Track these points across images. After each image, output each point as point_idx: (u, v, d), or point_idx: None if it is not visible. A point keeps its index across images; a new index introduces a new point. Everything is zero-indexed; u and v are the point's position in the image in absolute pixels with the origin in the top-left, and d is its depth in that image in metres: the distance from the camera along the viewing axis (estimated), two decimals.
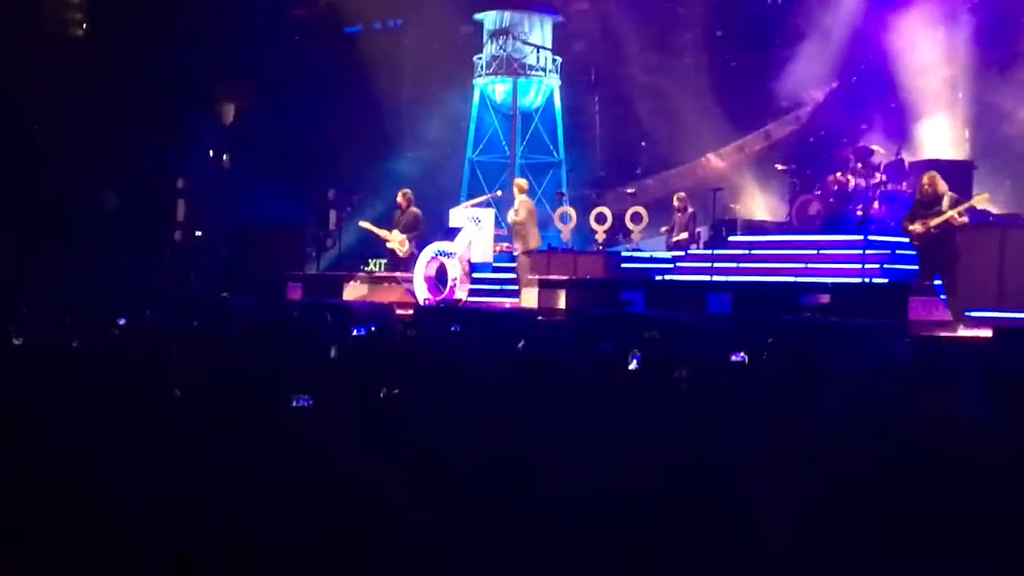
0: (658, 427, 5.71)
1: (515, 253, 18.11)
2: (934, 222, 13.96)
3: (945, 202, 14.06)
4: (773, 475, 5.13)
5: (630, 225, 22.09)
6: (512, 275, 18.45)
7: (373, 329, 10.04)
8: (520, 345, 8.78)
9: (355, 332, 10.53)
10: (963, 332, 13.02)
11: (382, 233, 18.96)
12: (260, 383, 6.18)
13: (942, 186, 14.30)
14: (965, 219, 14.12)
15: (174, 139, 26.91)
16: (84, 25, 29.69)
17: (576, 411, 5.53)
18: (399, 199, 18.96)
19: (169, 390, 5.30)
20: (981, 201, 15.29)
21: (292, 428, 5.34)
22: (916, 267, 15.57)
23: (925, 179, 14.39)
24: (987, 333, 11.80)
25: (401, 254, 18.58)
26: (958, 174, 16.09)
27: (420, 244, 18.46)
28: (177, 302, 18.76)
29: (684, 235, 20.30)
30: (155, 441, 4.48)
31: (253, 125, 30.21)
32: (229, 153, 30.84)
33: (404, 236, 18.54)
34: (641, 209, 22.22)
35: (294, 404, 5.34)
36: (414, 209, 18.84)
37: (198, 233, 25.72)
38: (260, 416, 5.19)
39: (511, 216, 17.90)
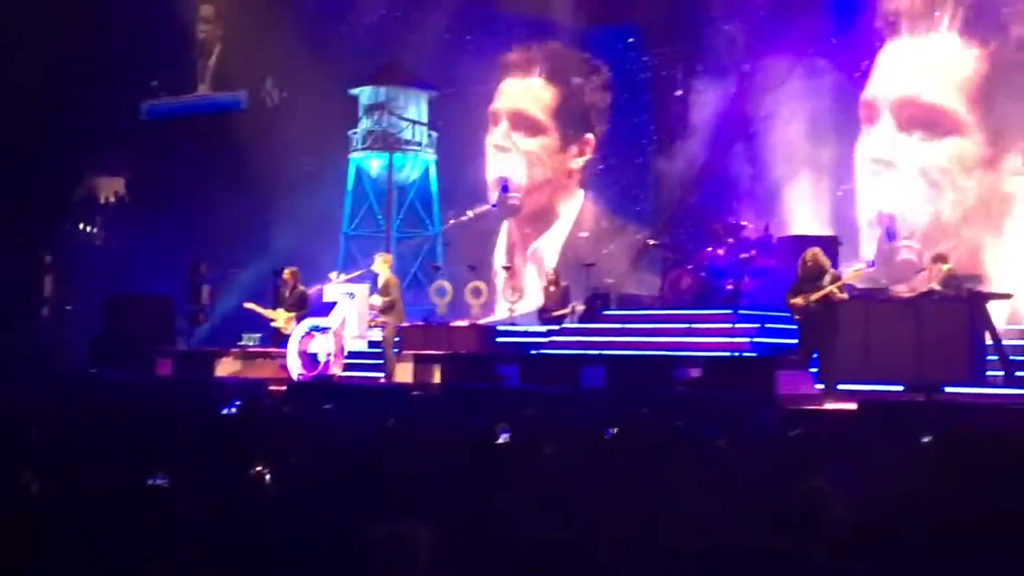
0: (529, 503, 5.69)
1: (383, 328, 18.06)
2: (814, 296, 14.30)
3: (826, 278, 14.43)
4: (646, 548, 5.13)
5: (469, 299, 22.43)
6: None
7: (239, 405, 9.89)
8: (390, 423, 8.71)
9: (225, 410, 10.36)
10: (830, 405, 13.26)
11: (268, 313, 18.75)
12: (121, 464, 6.03)
13: (824, 262, 14.69)
14: (844, 295, 14.52)
15: (44, 214, 26.45)
16: None
17: (440, 489, 5.49)
18: (286, 276, 18.76)
19: (24, 475, 5.15)
20: (856, 276, 15.69)
21: (152, 510, 5.21)
22: (786, 340, 15.88)
23: (808, 255, 14.74)
24: (852, 406, 12.04)
25: (287, 333, 18.39)
26: (824, 249, 16.38)
27: None
28: (45, 378, 18.33)
29: (568, 309, 20.47)
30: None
31: (127, 199, 29.86)
32: (102, 227, 30.37)
33: (290, 315, 18.34)
34: (481, 284, 22.62)
35: (149, 483, 5.22)
36: (301, 287, 18.70)
37: (68, 308, 25.25)
38: (118, 499, 5.06)
39: (376, 300, 17.86)
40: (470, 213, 26.20)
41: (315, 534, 4.34)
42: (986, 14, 20.07)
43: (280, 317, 18.45)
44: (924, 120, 20.35)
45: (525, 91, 26.09)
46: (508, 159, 26.10)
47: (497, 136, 26.26)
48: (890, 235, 19.94)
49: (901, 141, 20.57)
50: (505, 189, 25.76)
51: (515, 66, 26.14)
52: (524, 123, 26.07)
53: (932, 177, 20.25)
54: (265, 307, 18.96)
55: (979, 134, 19.97)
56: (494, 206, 25.88)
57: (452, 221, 26.23)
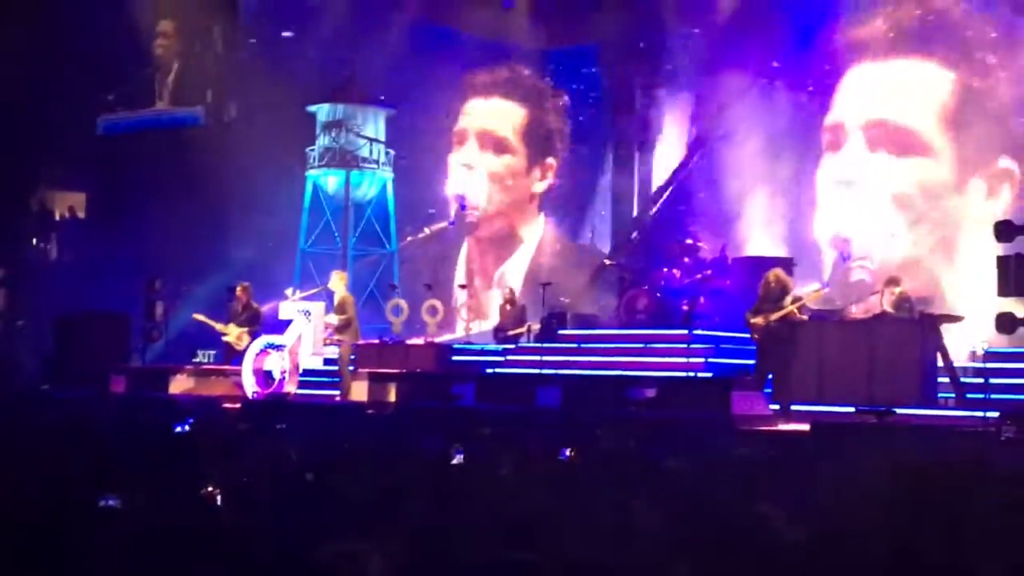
0: (481, 524, 5.68)
1: (338, 346, 18.03)
2: (774, 316, 14.38)
3: (788, 299, 14.53)
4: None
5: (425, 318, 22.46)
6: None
7: (191, 423, 9.83)
8: (346, 446, 8.68)
9: (177, 428, 10.29)
10: (783, 427, 13.33)
11: (218, 326, 18.71)
12: (70, 483, 5.98)
13: (787, 282, 14.78)
14: (804, 316, 14.60)
15: None
16: None
17: (393, 510, 5.47)
18: (238, 292, 18.76)
19: None
20: (814, 296, 15.80)
21: (102, 530, 5.17)
22: (741, 361, 15.96)
23: (771, 275, 14.83)
24: (806, 427, 12.12)
25: (239, 348, 18.36)
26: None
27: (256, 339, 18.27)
28: None
29: (523, 329, 20.51)
30: None
31: (83, 214, 29.65)
32: (57, 242, 30.15)
33: (242, 330, 18.32)
34: (438, 303, 22.67)
35: (101, 504, 5.18)
36: (255, 304, 18.70)
37: (20, 323, 25.04)
38: (67, 519, 5.02)
39: (332, 318, 17.84)
40: (427, 230, 26.23)
41: (267, 556, 4.32)
42: (951, 40, 20.29)
43: (232, 332, 18.43)
44: (894, 140, 20.50)
45: (495, 110, 26.21)
46: (471, 178, 26.18)
47: (463, 154, 26.35)
48: (844, 256, 20.11)
49: (868, 160, 20.72)
50: (463, 207, 25.85)
51: (482, 86, 26.22)
52: (492, 142, 26.20)
53: (896, 198, 20.42)
54: (218, 322, 18.92)
55: (948, 158, 20.15)
56: (451, 223, 25.94)
57: (409, 238, 26.24)
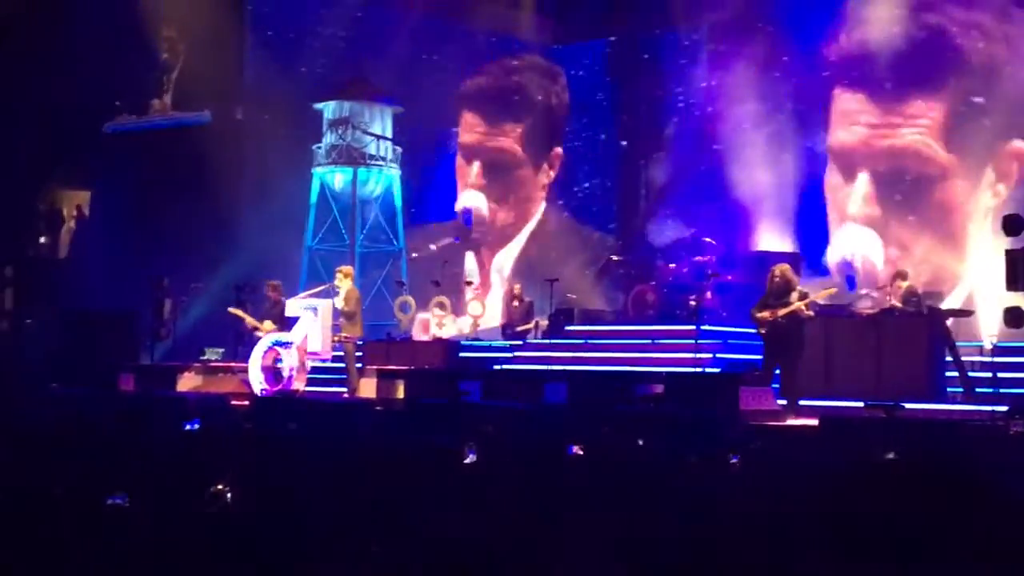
0: (487, 520, 5.69)
1: (344, 343, 17.99)
2: (782, 312, 14.29)
3: (794, 295, 14.43)
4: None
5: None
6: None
7: (201, 421, 9.84)
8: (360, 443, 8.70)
9: (187, 426, 10.31)
10: (792, 422, 13.31)
11: (253, 322, 18.67)
12: (79, 481, 5.99)
13: (792, 278, 14.69)
14: (811, 313, 14.51)
15: (5, 227, 26.25)
16: None
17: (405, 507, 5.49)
18: (269, 292, 18.76)
19: None
20: (826, 295, 15.76)
21: (110, 530, 5.18)
22: (749, 356, 15.93)
23: (776, 270, 14.73)
24: (814, 422, 12.09)
25: None
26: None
27: None
28: (2, 393, 18.18)
29: (531, 325, 20.55)
30: None
31: (91, 212, 29.66)
32: (66, 241, 30.16)
33: (276, 327, 18.34)
34: (410, 299, 22.70)
35: (109, 502, 5.19)
36: (284, 301, 18.73)
37: (28, 321, 25.04)
38: (75, 517, 5.03)
39: (339, 303, 17.84)
40: (433, 247, 26.34)
41: (274, 556, 4.33)
42: (927, 69, 20.37)
43: (267, 328, 18.30)
44: (905, 167, 20.58)
45: (495, 128, 26.47)
46: (480, 199, 26.49)
47: (471, 175, 26.61)
48: (851, 285, 20.11)
49: (879, 194, 20.80)
50: (468, 222, 25.99)
51: (478, 94, 26.41)
52: (498, 164, 26.53)
53: (909, 224, 20.48)
54: (252, 318, 18.92)
55: (956, 168, 20.19)
56: (456, 239, 26.09)
57: (415, 255, 26.30)
